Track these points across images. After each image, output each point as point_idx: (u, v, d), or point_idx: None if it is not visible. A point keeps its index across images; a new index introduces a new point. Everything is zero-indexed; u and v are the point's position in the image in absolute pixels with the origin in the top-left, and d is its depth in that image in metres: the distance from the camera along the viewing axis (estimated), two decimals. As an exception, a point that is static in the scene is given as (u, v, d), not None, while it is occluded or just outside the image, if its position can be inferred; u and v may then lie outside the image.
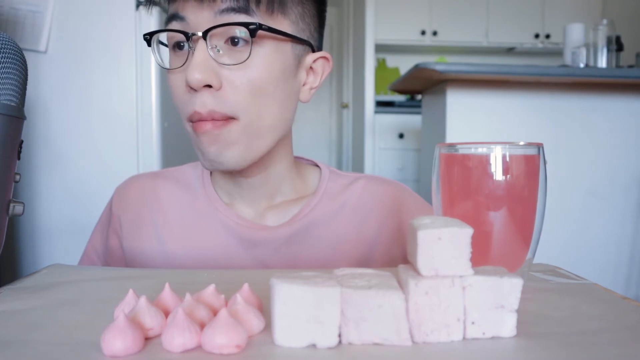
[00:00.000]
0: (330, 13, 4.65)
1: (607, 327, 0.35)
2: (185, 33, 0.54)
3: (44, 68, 1.36)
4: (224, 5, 0.54)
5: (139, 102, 1.40)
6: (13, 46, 0.46)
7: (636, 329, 0.35)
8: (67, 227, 1.39)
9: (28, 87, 0.49)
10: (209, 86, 0.54)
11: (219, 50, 0.55)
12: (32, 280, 0.49)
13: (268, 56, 0.56)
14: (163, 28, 0.58)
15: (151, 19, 1.38)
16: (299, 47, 0.60)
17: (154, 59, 0.59)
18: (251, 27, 0.53)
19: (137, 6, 1.38)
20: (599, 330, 0.35)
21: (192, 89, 0.54)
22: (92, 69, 1.38)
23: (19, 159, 0.47)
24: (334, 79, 4.82)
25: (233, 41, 0.55)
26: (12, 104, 0.45)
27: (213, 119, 0.55)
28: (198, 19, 0.54)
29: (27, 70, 0.48)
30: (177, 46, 0.57)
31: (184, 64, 0.55)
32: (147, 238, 0.66)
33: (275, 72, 0.57)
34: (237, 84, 0.55)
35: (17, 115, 0.46)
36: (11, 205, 0.47)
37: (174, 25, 0.56)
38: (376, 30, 3.84)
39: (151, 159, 1.41)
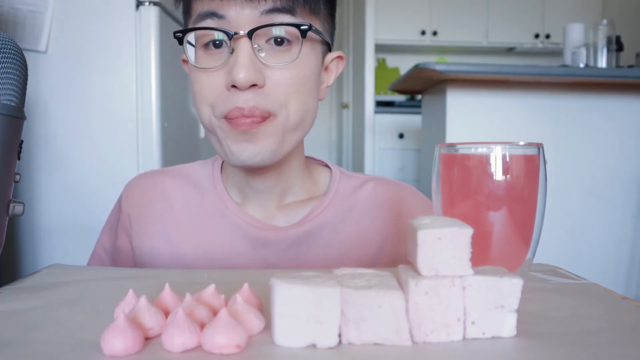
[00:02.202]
0: (330, 13, 4.63)
1: (607, 327, 0.35)
2: (227, 32, 0.54)
3: (44, 68, 1.36)
4: (270, 5, 0.54)
5: (139, 102, 1.40)
6: (13, 46, 0.46)
7: (636, 329, 0.35)
8: (67, 227, 1.39)
9: (28, 87, 0.49)
10: (254, 85, 0.54)
11: (260, 50, 0.55)
12: (32, 280, 0.49)
13: (308, 56, 0.58)
14: (191, 27, 0.57)
15: (151, 19, 1.38)
16: (324, 47, 0.62)
17: (188, 56, 0.57)
18: (303, 27, 0.54)
19: (137, 6, 1.38)
20: (599, 330, 0.35)
21: (236, 88, 0.54)
22: (92, 69, 1.38)
23: (19, 159, 0.47)
24: (334, 79, 4.81)
25: (276, 41, 0.55)
26: (12, 104, 0.45)
27: (253, 115, 0.55)
28: (240, 17, 0.54)
29: (27, 70, 0.48)
30: (213, 45, 0.56)
31: (221, 63, 0.55)
32: (155, 236, 0.66)
33: (312, 70, 0.59)
34: (281, 82, 0.56)
35: (17, 115, 0.46)
36: (11, 205, 0.47)
37: (209, 23, 0.55)
38: (376, 30, 3.83)
39: (151, 159, 1.40)
